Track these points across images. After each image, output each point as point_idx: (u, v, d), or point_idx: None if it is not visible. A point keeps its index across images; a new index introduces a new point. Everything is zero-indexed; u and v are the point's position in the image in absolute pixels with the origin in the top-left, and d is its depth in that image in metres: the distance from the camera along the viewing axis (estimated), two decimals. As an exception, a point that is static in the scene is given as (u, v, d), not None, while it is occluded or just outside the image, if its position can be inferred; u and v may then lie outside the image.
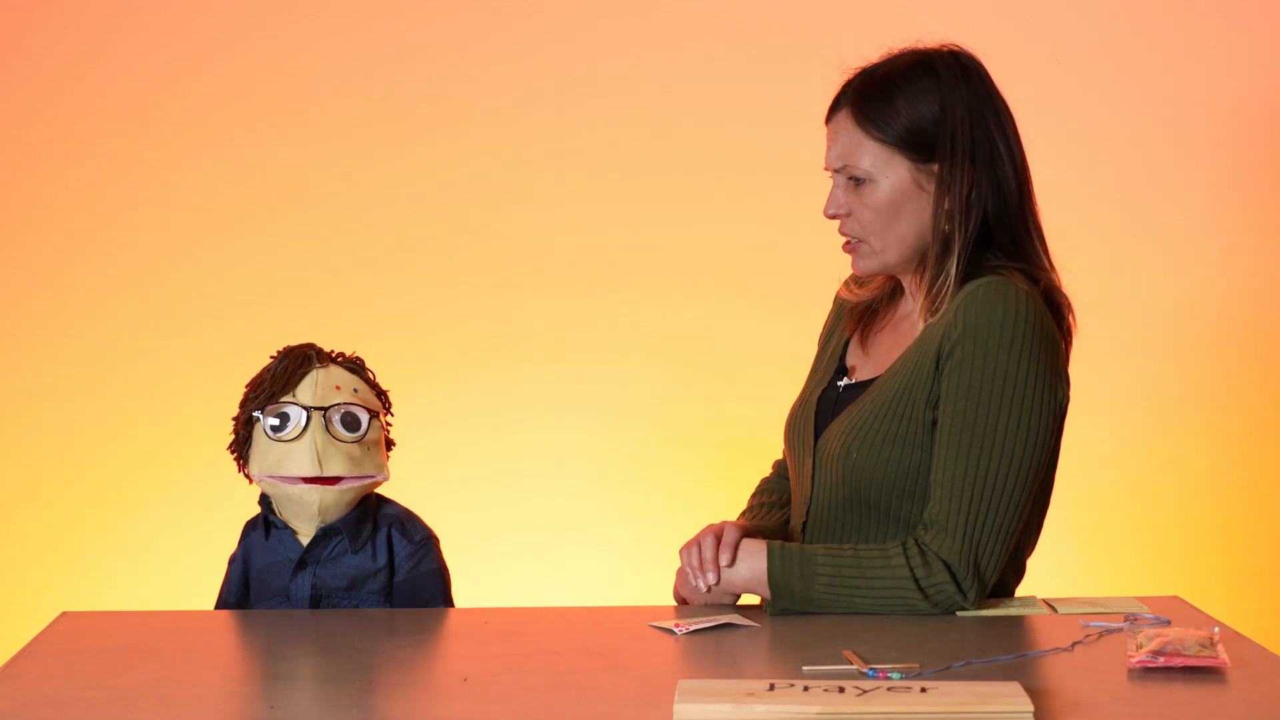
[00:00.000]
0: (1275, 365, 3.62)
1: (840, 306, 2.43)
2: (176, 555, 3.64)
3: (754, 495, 2.50)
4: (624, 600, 3.42)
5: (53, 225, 3.71)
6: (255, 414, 2.23)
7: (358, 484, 2.23)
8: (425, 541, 2.29)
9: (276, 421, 2.21)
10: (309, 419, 2.21)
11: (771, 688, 1.69)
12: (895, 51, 2.26)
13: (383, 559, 2.26)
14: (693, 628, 2.05)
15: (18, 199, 3.71)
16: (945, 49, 2.26)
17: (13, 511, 3.71)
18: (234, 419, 2.27)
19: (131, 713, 1.73)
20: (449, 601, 2.30)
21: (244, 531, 2.32)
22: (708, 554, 2.17)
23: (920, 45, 2.26)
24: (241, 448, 2.27)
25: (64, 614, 2.19)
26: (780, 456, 2.52)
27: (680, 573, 2.25)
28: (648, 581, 3.38)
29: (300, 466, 2.20)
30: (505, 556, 3.64)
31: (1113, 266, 3.61)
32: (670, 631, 2.05)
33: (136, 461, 3.70)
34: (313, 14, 3.72)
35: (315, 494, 2.21)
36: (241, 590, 2.30)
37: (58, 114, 3.71)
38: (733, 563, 2.16)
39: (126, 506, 3.70)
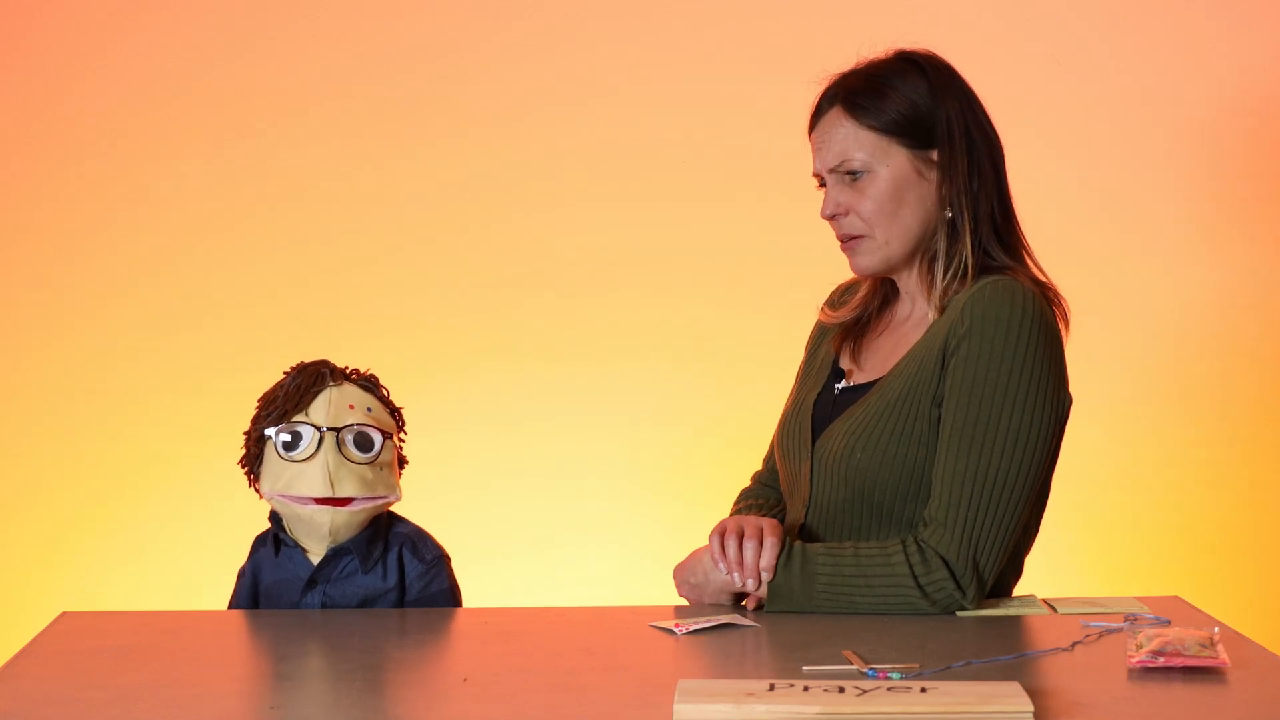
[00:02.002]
0: (1274, 365, 3.62)
1: (821, 330, 2.44)
2: (176, 555, 3.65)
3: (737, 503, 2.49)
4: (624, 600, 3.41)
5: (53, 225, 3.71)
6: (267, 432, 2.20)
7: (370, 505, 2.20)
8: (437, 561, 2.27)
9: (289, 439, 2.19)
10: (321, 439, 2.19)
11: (771, 688, 1.69)
12: (872, 57, 2.27)
13: (393, 579, 2.24)
14: (693, 628, 2.05)
15: (18, 199, 3.71)
16: (923, 51, 2.27)
17: (13, 511, 3.71)
18: (245, 434, 2.25)
19: (131, 713, 1.73)
20: None
21: (254, 546, 2.30)
22: (750, 559, 2.15)
23: (897, 48, 2.27)
24: (253, 464, 2.24)
25: (64, 614, 2.19)
26: (759, 469, 2.51)
27: (680, 570, 2.24)
28: (648, 581, 3.38)
29: (312, 487, 2.17)
30: (505, 556, 3.64)
31: (1112, 266, 3.61)
32: (670, 631, 2.05)
33: (136, 461, 3.70)
34: (313, 14, 3.72)
35: (326, 515, 2.18)
36: (250, 605, 2.28)
37: (58, 114, 3.71)
38: (774, 578, 2.15)
39: (126, 506, 3.70)
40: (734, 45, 3.66)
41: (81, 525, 3.70)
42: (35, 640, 2.04)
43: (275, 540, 2.25)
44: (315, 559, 2.23)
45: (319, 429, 2.18)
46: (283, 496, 2.19)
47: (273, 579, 2.26)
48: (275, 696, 1.83)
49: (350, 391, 2.23)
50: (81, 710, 1.75)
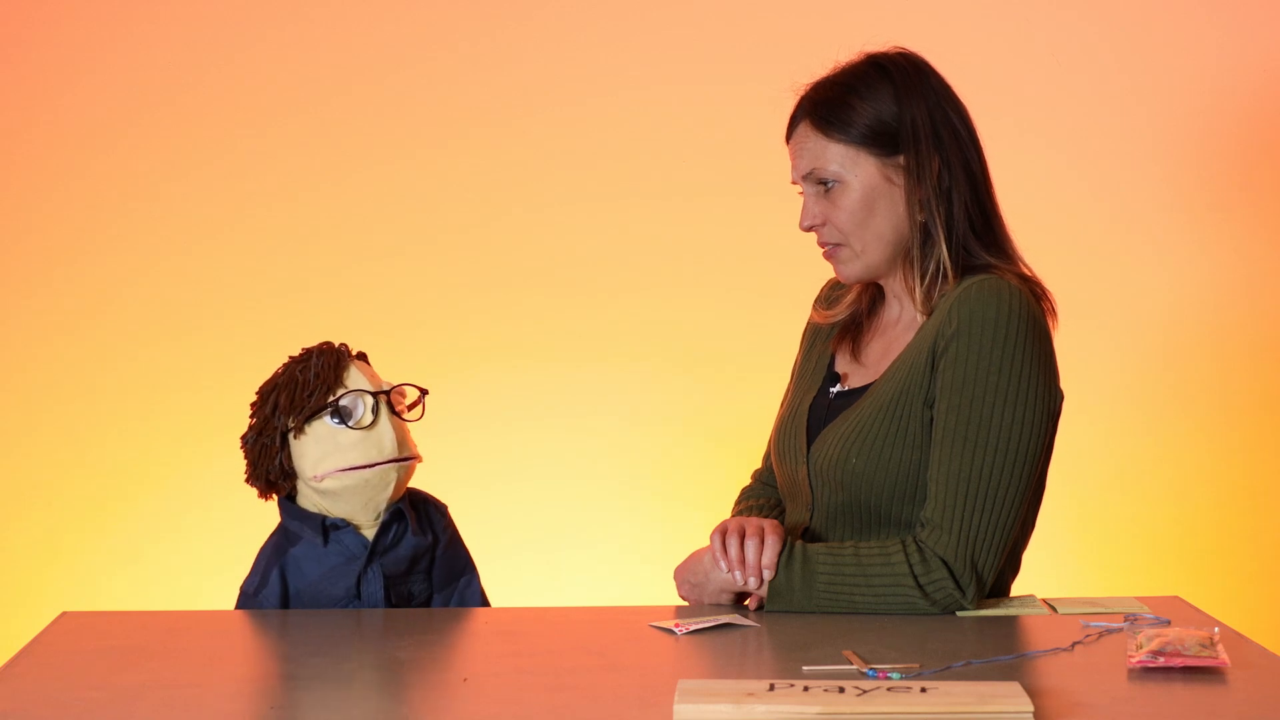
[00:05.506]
0: (1272, 363, 3.62)
1: (815, 329, 2.44)
2: (176, 555, 3.65)
3: (738, 502, 2.49)
4: (624, 600, 3.42)
5: (53, 225, 3.71)
6: (319, 412, 2.17)
7: (415, 463, 2.24)
8: (445, 510, 2.33)
9: (342, 412, 2.18)
10: (377, 403, 2.19)
11: (771, 688, 1.69)
12: (844, 62, 2.27)
13: (430, 535, 2.27)
14: (693, 628, 2.05)
15: (18, 199, 3.71)
16: (894, 50, 2.27)
17: (13, 511, 3.71)
18: (245, 439, 2.21)
19: (131, 713, 1.73)
20: (472, 563, 2.33)
21: (272, 555, 2.24)
22: (751, 557, 2.15)
23: (868, 51, 2.27)
24: (272, 464, 2.20)
25: (64, 614, 2.19)
26: (759, 466, 2.52)
27: (681, 570, 2.24)
28: (648, 581, 3.39)
29: (383, 450, 2.17)
30: (506, 556, 3.64)
31: (1111, 265, 3.61)
32: (670, 631, 2.05)
33: (136, 461, 3.70)
34: (311, 14, 3.72)
35: (395, 472, 2.18)
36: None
37: (58, 114, 3.71)
38: (774, 577, 2.15)
39: (126, 506, 3.70)
40: (734, 45, 3.66)
41: (81, 525, 3.70)
42: (35, 640, 2.04)
43: (323, 529, 2.21)
44: (370, 533, 2.22)
45: (372, 394, 2.18)
46: (343, 470, 2.17)
47: (319, 571, 2.22)
48: (275, 697, 1.83)
49: (363, 365, 2.25)
50: (81, 710, 1.75)
